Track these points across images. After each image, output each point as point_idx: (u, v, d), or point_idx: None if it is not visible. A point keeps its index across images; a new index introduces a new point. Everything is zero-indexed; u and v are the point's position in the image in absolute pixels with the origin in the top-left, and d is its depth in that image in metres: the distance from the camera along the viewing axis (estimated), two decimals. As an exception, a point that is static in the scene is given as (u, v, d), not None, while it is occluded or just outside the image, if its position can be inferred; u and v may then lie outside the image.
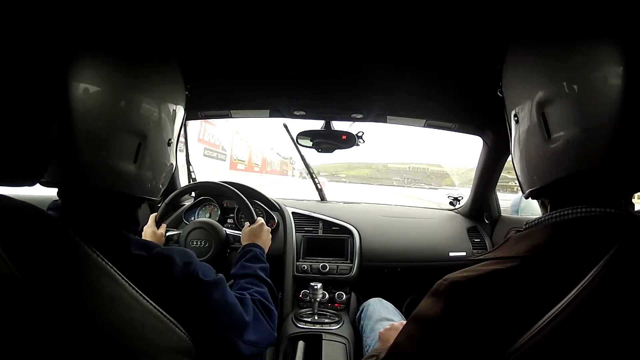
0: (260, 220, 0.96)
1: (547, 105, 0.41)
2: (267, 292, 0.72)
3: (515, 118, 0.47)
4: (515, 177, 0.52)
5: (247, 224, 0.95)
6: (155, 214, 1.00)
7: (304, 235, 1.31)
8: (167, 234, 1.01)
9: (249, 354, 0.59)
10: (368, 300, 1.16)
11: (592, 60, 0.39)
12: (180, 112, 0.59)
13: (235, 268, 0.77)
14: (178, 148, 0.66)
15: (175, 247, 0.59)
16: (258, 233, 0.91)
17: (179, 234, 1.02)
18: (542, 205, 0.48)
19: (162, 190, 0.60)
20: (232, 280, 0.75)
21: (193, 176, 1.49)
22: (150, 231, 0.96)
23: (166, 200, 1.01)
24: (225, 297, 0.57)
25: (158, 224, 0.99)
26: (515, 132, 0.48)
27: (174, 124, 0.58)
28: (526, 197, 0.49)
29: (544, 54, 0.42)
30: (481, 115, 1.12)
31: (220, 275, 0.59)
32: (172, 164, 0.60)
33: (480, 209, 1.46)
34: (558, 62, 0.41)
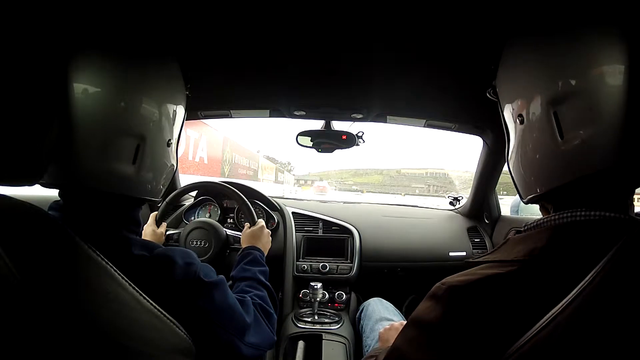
0: (261, 222, 0.96)
1: (559, 103, 0.38)
2: (266, 296, 0.72)
3: (519, 118, 0.44)
4: (512, 181, 0.49)
5: (247, 225, 0.95)
6: (156, 212, 1.00)
7: (304, 235, 1.31)
8: (167, 232, 1.02)
9: (249, 355, 0.59)
10: (368, 300, 1.16)
11: (605, 54, 0.37)
12: (180, 112, 0.59)
13: (235, 271, 0.78)
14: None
15: (176, 247, 0.59)
16: (258, 235, 0.91)
17: (179, 233, 1.02)
18: (543, 208, 0.47)
19: (163, 191, 0.60)
20: (231, 282, 0.75)
21: None
22: (150, 230, 0.96)
23: (167, 199, 1.02)
24: (227, 298, 0.57)
25: (158, 223, 0.99)
26: (518, 134, 0.45)
27: (173, 124, 0.57)
28: (526, 203, 0.47)
29: (555, 48, 0.40)
30: (481, 115, 1.12)
31: (222, 276, 0.59)
32: (172, 164, 0.59)
33: (480, 208, 1.46)
34: (571, 57, 0.38)
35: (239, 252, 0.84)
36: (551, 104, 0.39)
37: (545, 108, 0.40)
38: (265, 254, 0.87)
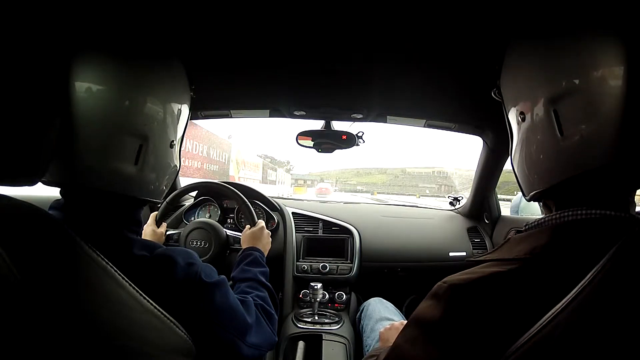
0: (261, 223, 0.96)
1: (559, 101, 0.39)
2: (267, 297, 0.72)
3: (521, 116, 0.45)
4: (515, 179, 0.50)
5: (247, 226, 0.95)
6: (156, 212, 1.00)
7: (304, 236, 1.31)
8: (167, 233, 1.02)
9: (250, 355, 0.59)
10: (368, 300, 1.16)
11: (604, 52, 0.37)
12: (184, 112, 0.58)
13: (236, 272, 0.78)
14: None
15: (177, 247, 0.58)
16: (258, 236, 0.91)
17: (179, 233, 1.02)
18: (545, 207, 0.48)
19: (165, 192, 0.60)
20: (231, 283, 0.75)
21: None
22: (150, 230, 0.96)
23: (167, 199, 1.02)
24: (228, 298, 0.57)
25: (158, 223, 0.99)
26: (520, 131, 0.46)
27: (177, 124, 0.57)
28: (528, 200, 0.48)
29: (554, 48, 0.41)
30: (481, 115, 1.13)
31: (223, 276, 0.58)
32: (175, 165, 0.59)
33: (481, 209, 1.46)
34: (569, 56, 0.39)
35: (239, 253, 0.84)
36: (551, 102, 0.40)
37: (545, 106, 0.40)
38: (266, 254, 0.87)
